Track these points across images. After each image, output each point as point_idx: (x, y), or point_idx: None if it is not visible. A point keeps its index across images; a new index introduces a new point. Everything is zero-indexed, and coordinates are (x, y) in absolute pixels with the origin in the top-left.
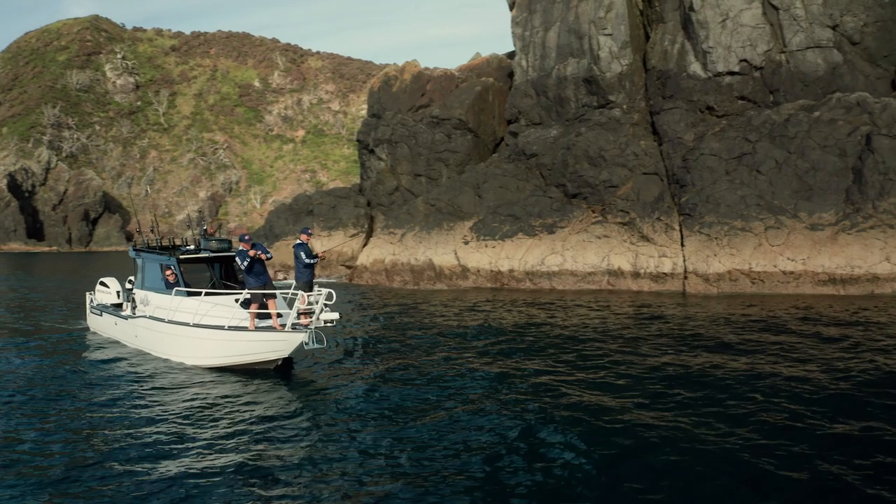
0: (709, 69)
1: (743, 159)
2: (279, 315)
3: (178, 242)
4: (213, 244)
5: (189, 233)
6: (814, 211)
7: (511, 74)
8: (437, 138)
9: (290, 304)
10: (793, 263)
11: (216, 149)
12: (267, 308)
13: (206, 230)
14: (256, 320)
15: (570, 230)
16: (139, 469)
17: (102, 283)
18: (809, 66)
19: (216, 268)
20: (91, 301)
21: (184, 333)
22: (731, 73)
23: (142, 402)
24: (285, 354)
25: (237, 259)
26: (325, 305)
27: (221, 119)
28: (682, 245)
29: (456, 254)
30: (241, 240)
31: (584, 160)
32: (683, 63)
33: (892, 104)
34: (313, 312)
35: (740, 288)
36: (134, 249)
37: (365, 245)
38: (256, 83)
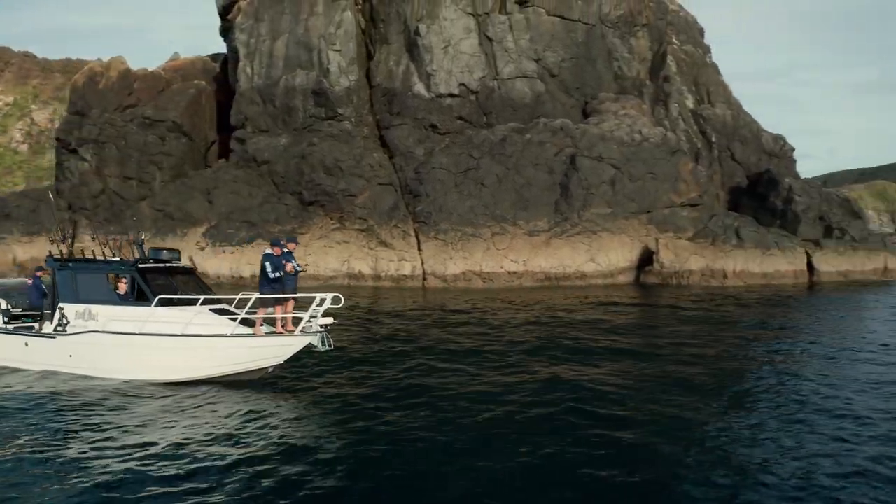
0: (432, 90)
1: (469, 173)
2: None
3: (87, 255)
4: (165, 254)
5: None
6: (530, 219)
7: (217, 78)
8: (149, 140)
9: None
10: (516, 264)
11: None
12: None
13: (143, 240)
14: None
15: (310, 236)
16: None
17: None
18: (518, 93)
19: (176, 278)
20: None
21: (179, 346)
22: (452, 95)
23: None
24: (284, 359)
25: (266, 265)
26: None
27: None
28: (420, 250)
29: (192, 260)
30: (276, 244)
31: (321, 169)
32: (408, 83)
33: (590, 130)
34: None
35: (474, 285)
36: (55, 260)
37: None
38: None
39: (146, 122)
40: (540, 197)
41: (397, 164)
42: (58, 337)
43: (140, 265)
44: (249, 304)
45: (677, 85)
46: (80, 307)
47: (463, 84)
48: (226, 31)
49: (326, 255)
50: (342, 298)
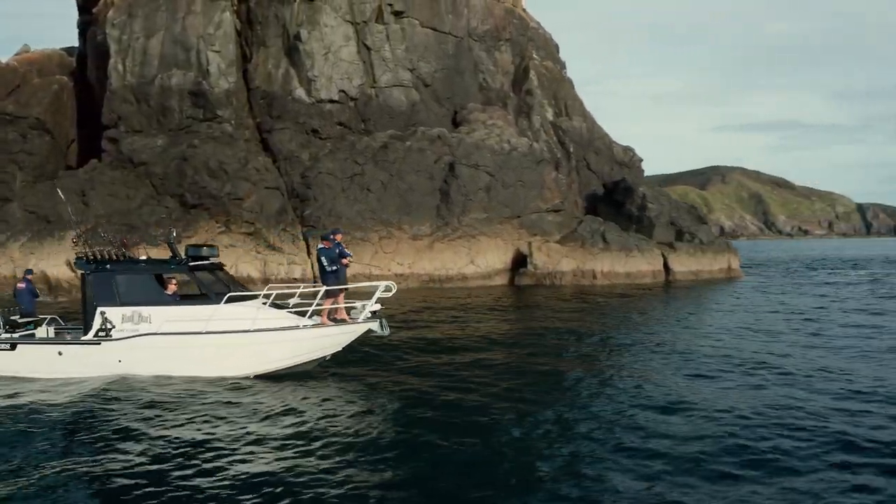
0: (313, 95)
1: (355, 179)
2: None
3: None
4: (205, 250)
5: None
6: (414, 224)
7: (74, 73)
8: (10, 138)
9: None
10: (402, 267)
11: None
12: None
13: (174, 238)
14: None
15: (196, 239)
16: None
17: None
18: (395, 101)
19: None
20: None
21: (255, 341)
22: (332, 101)
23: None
24: (341, 346)
25: (322, 259)
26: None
27: None
28: (309, 253)
29: (71, 265)
30: (326, 238)
31: (205, 172)
32: (288, 87)
33: (466, 140)
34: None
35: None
36: (87, 262)
37: None
38: None
39: (6, 118)
40: (422, 202)
41: (282, 168)
42: (103, 343)
43: (191, 264)
44: (319, 295)
45: (539, 98)
46: (127, 310)
47: (343, 90)
48: (86, 25)
49: None
50: (395, 286)
